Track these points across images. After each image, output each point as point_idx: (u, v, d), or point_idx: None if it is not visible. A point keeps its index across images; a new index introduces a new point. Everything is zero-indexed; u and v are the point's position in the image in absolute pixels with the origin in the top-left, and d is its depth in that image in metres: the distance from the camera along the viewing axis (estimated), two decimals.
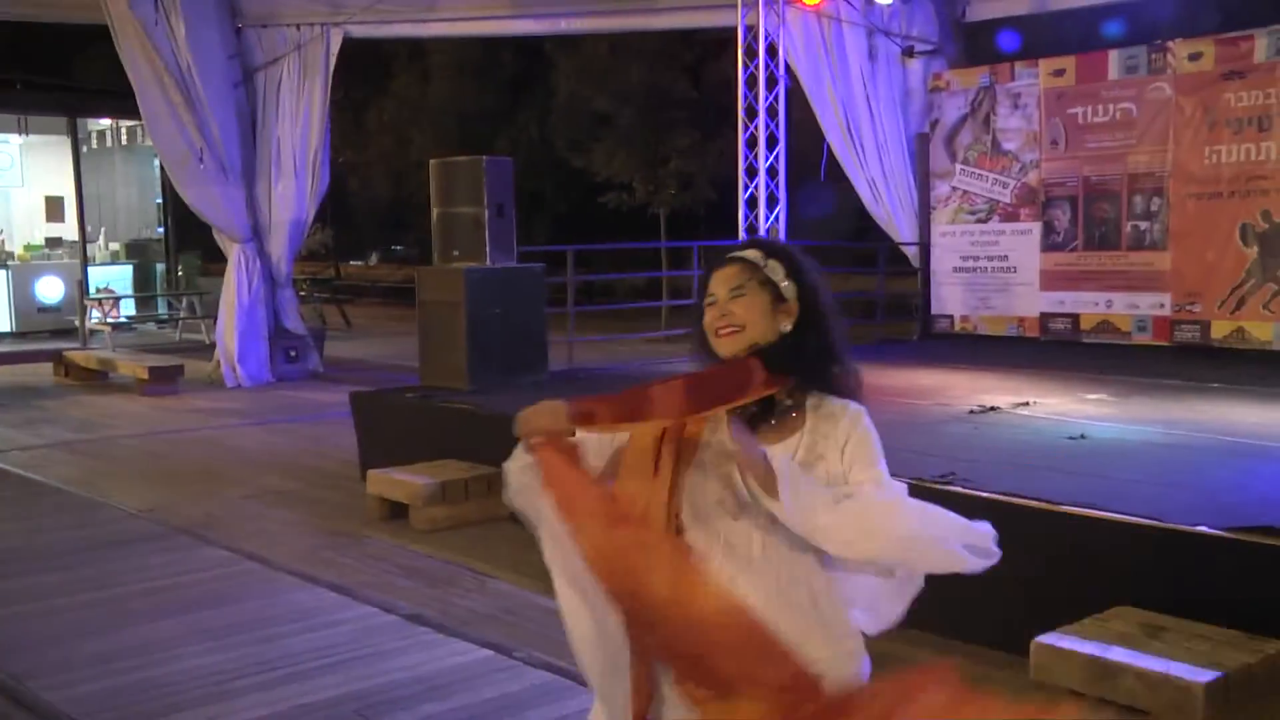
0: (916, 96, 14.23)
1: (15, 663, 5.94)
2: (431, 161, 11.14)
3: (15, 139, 22.49)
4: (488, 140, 30.77)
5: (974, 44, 14.50)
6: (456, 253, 10.60)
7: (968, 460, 6.83)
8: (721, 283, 2.69)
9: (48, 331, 20.67)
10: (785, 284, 2.67)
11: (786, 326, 2.65)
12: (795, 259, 2.73)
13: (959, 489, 6.31)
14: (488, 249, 10.48)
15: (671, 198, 29.74)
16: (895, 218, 14.37)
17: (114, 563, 7.76)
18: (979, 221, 13.47)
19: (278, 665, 5.84)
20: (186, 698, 5.48)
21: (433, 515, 8.51)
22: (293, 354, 16.05)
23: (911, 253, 14.24)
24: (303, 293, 17.16)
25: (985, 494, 6.23)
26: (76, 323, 20.13)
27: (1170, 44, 11.87)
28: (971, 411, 8.84)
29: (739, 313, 2.63)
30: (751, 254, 2.71)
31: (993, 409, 8.95)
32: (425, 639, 6.15)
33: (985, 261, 13.43)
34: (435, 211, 10.81)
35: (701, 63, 26.95)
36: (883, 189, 14.41)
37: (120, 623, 6.56)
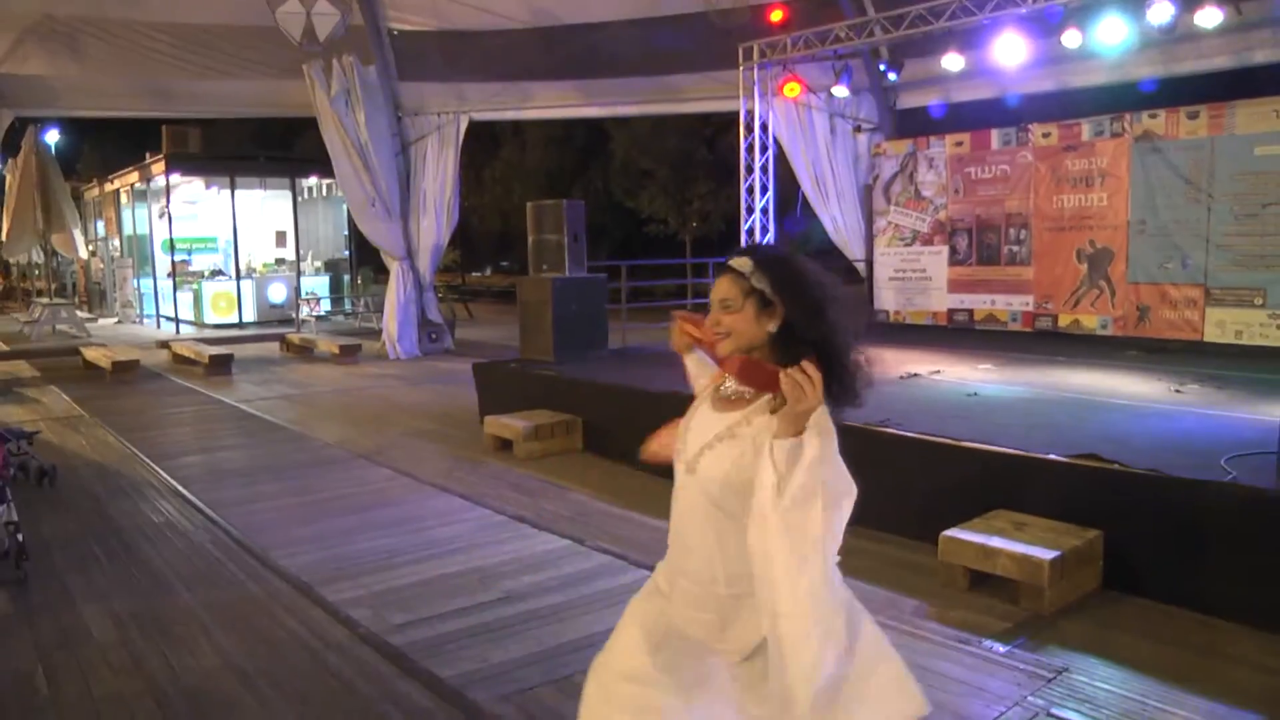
0: (863, 159, 14.08)
1: (260, 540, 6.10)
2: (528, 204, 11.13)
3: (258, 193, 22.71)
4: (566, 189, 30.86)
5: (902, 123, 14.34)
6: (545, 267, 10.62)
7: (898, 410, 6.79)
8: (716, 292, 2.29)
9: (276, 321, 20.87)
10: (770, 291, 2.21)
11: (773, 327, 2.21)
12: (782, 266, 2.25)
13: (892, 430, 6.29)
14: (567, 264, 10.51)
15: (694, 228, 29.65)
16: (850, 242, 14.23)
17: (316, 476, 7.87)
18: (905, 245, 13.34)
19: (425, 548, 5.92)
20: (367, 566, 5.58)
21: (529, 448, 8.54)
22: (433, 336, 16.11)
23: (860, 266, 14.12)
24: (440, 294, 17.20)
25: (909, 433, 6.22)
26: (293, 315, 20.39)
27: (1030, 126, 11.80)
28: (901, 377, 8.80)
29: (726, 321, 2.24)
30: (741, 263, 2.25)
31: (915, 375, 8.90)
32: (524, 532, 6.20)
33: (910, 273, 13.32)
34: (531, 238, 10.82)
35: (716, 134, 26.82)
36: (841, 222, 14.26)
37: (322, 516, 6.67)
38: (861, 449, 6.33)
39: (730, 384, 2.32)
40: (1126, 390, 7.95)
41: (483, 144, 31.76)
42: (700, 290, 16.77)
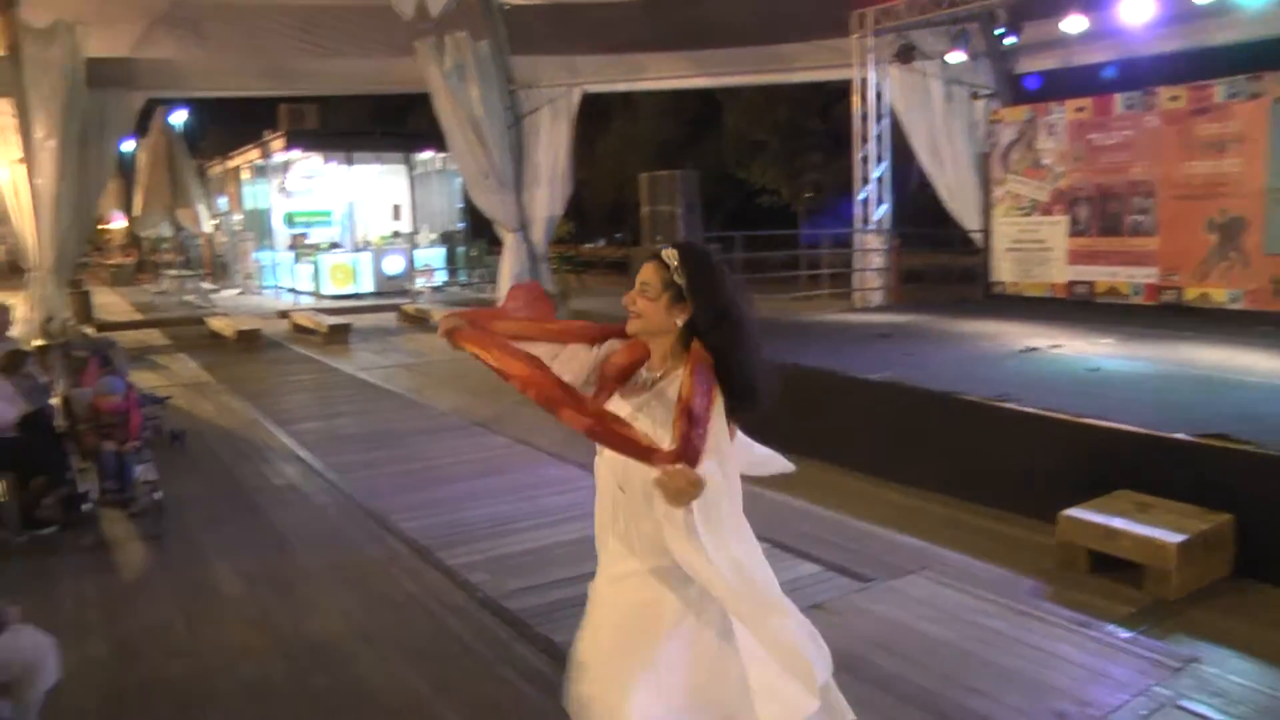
0: (980, 126, 13.66)
1: (379, 504, 6.27)
2: (641, 175, 11.13)
3: (374, 168, 23.22)
4: (678, 160, 30.62)
5: (1020, 90, 13.89)
6: (659, 238, 10.60)
7: (1017, 385, 6.62)
8: (641, 274, 2.43)
9: (392, 292, 21.33)
10: (686, 288, 2.36)
11: (680, 321, 2.37)
12: (703, 269, 2.39)
13: (1012, 406, 6.14)
14: (681, 234, 10.46)
15: (807, 199, 29.27)
16: (965, 212, 13.88)
17: (433, 443, 8.05)
18: (1024, 215, 12.93)
19: (539, 515, 6.00)
20: (483, 532, 5.69)
21: None
22: None
23: (977, 237, 13.75)
24: (554, 265, 17.32)
25: (1029, 409, 6.06)
26: (409, 286, 20.83)
27: (1157, 89, 11.26)
28: (1020, 351, 8.57)
29: (640, 305, 2.40)
30: (670, 255, 2.40)
31: (1033, 349, 8.66)
32: None
33: (1029, 243, 12.90)
34: (644, 209, 10.82)
35: (829, 104, 26.34)
36: (956, 192, 13.94)
37: (439, 482, 6.82)
38: (979, 424, 6.24)
39: (647, 374, 2.48)
40: (1260, 368, 7.58)
41: (595, 116, 31.74)
42: (812, 262, 16.57)
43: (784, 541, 5.28)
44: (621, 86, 18.40)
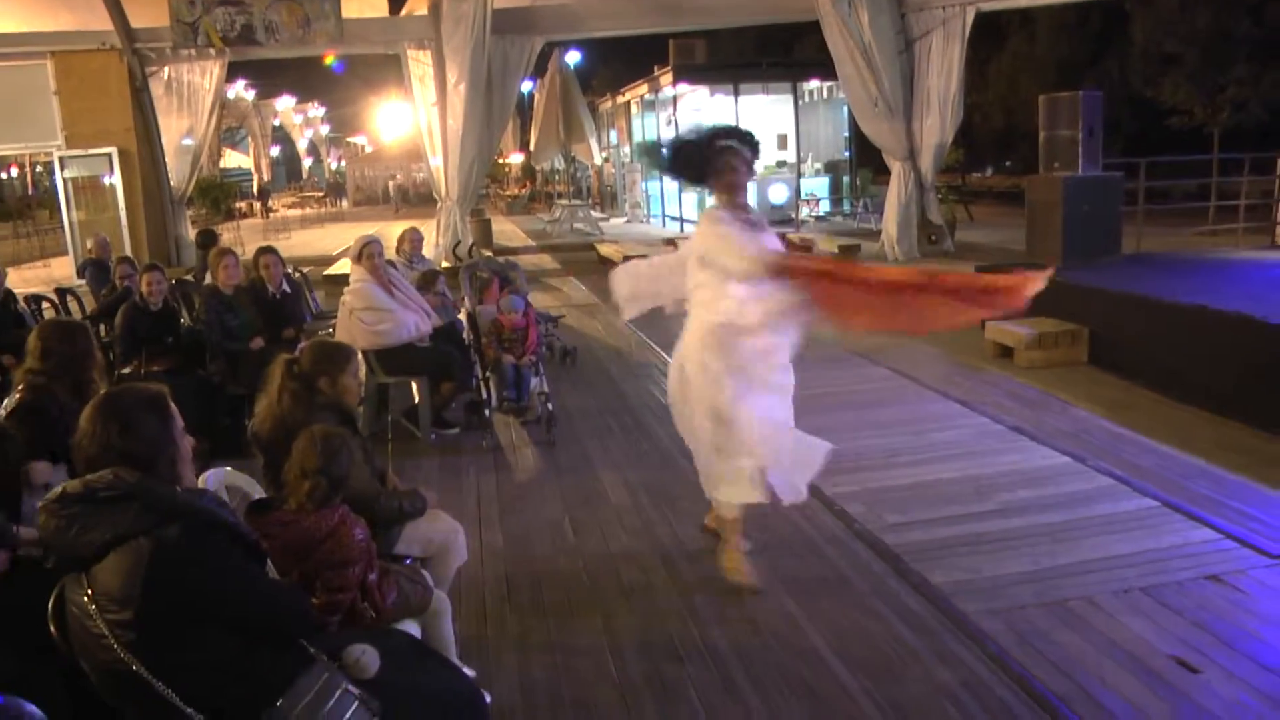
0: None
1: None
2: (1041, 97, 10.34)
3: (760, 99, 23.35)
4: (1077, 80, 28.10)
5: None
6: (1057, 165, 9.88)
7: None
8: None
9: (776, 221, 21.42)
10: None
11: None
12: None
13: None
14: (1080, 161, 9.71)
15: (1225, 119, 25.95)
16: None
17: (813, 373, 7.89)
18: None
19: (922, 451, 5.80)
20: (864, 462, 5.58)
21: (1030, 356, 8.04)
22: (933, 238, 15.63)
23: None
24: (940, 195, 16.57)
25: None
26: (793, 215, 20.85)
27: None
28: None
29: None
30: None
31: None
32: (1022, 444, 5.85)
33: None
34: (1042, 134, 10.10)
35: (1264, 3, 23.05)
36: None
37: (823, 410, 6.69)
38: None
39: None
40: None
41: (987, 36, 29.94)
42: (1227, 192, 14.66)
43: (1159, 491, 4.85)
44: (1021, 2, 17.11)
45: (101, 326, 7.52)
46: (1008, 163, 38.70)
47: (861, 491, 5.11)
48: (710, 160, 4.07)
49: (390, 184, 44.18)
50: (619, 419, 6.75)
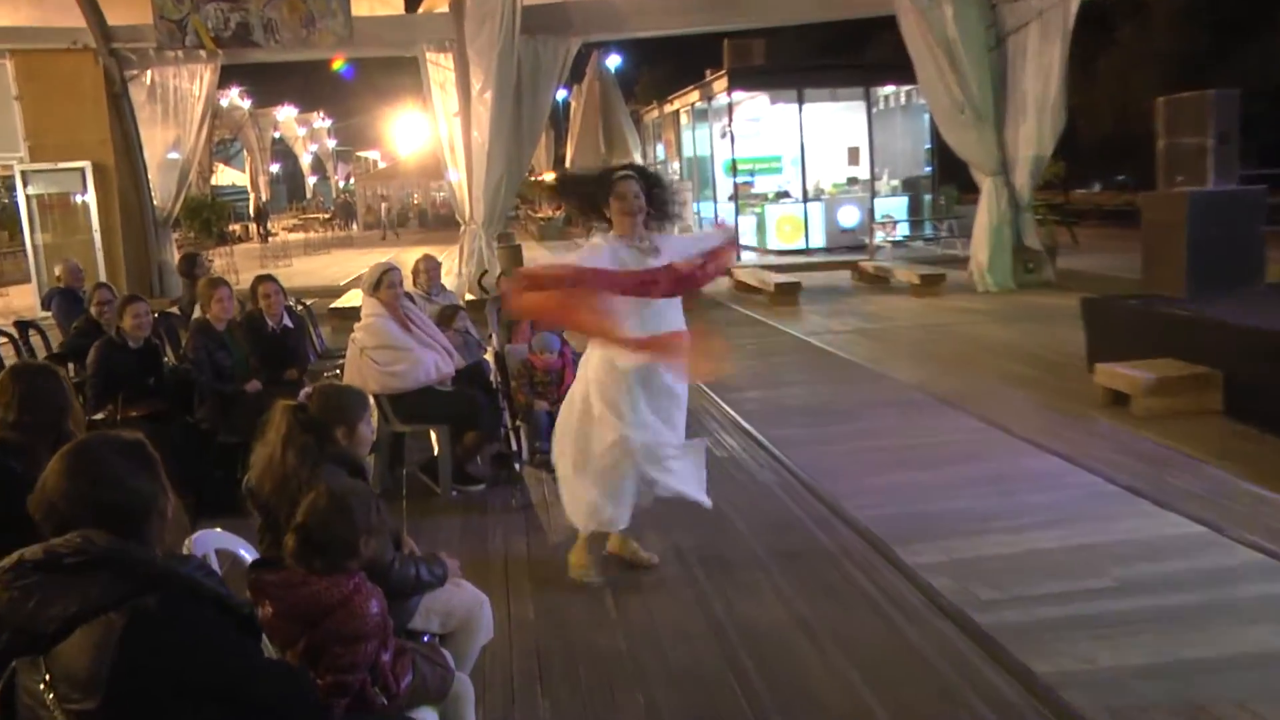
0: None
1: (830, 486, 6.33)
2: (1159, 99, 10.24)
3: (828, 106, 23.43)
4: (1203, 78, 27.83)
5: None
6: (1180, 178, 9.76)
7: None
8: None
9: (846, 247, 21.46)
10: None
11: None
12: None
13: None
14: (1210, 174, 9.56)
15: None
16: None
17: (892, 420, 7.97)
18: None
19: (1018, 515, 5.73)
20: (949, 528, 5.53)
21: (1150, 405, 7.89)
22: (1030, 265, 15.58)
23: None
24: (1039, 215, 16.49)
25: None
26: (866, 240, 20.85)
27: None
28: None
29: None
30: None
31: None
32: (1143, 509, 5.74)
33: None
34: (1161, 142, 9.99)
35: None
36: None
37: (898, 465, 6.74)
38: None
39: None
40: None
41: (1093, 29, 29.73)
42: None
43: None
44: None
45: (71, 366, 7.52)
46: (1119, 176, 38.44)
47: (948, 562, 5.06)
48: (604, 190, 4.96)
49: (382, 206, 44.69)
50: None
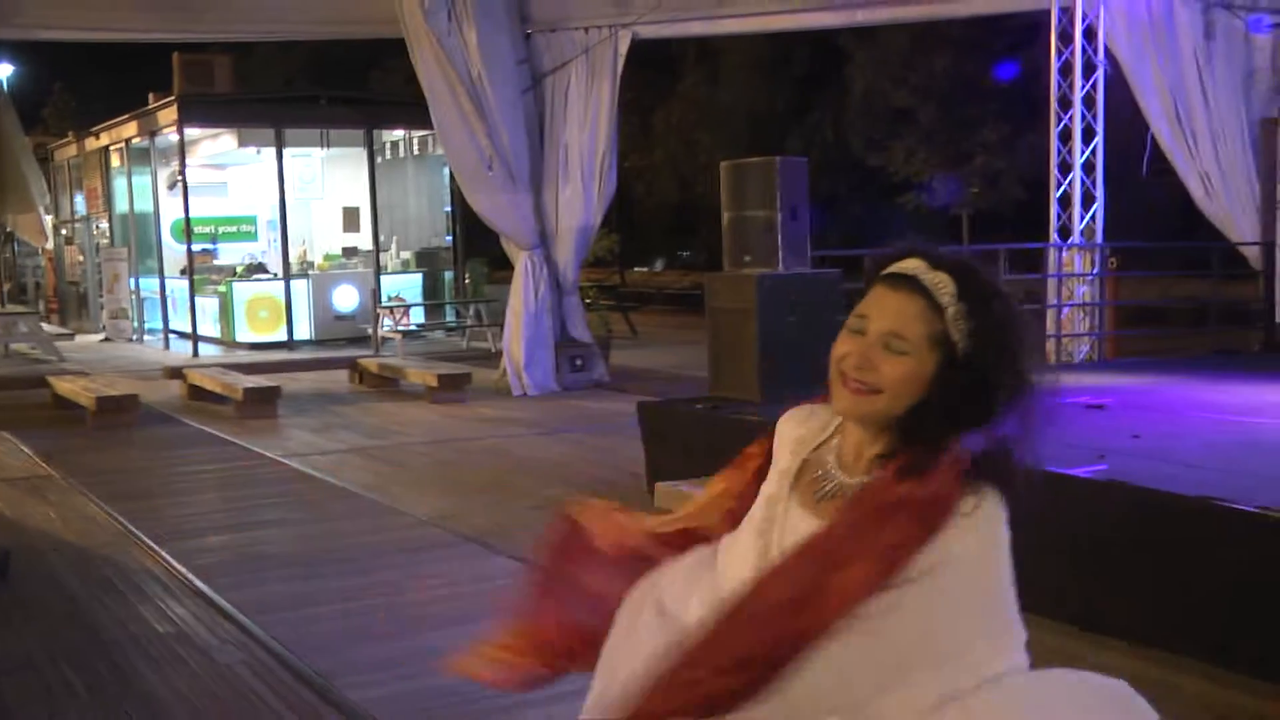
0: (1263, 77, 13.49)
1: (320, 662, 6.16)
2: (722, 164, 11.04)
3: (318, 152, 23.51)
4: (778, 141, 30.70)
5: None
6: (748, 258, 10.50)
7: None
8: (884, 315, 2.22)
9: (344, 339, 21.48)
10: (961, 340, 2.13)
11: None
12: (1002, 312, 2.17)
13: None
14: (781, 254, 10.35)
15: (975, 197, 29.18)
16: (1233, 215, 13.67)
17: (406, 568, 7.95)
18: None
19: (569, 681, 5.82)
20: (481, 707, 5.51)
21: None
22: (578, 362, 16.23)
23: (1252, 254, 13.52)
24: (588, 300, 17.35)
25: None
26: (369, 331, 20.97)
27: None
28: None
29: (886, 373, 2.16)
30: (939, 283, 2.15)
31: None
32: None
33: None
34: (725, 216, 10.73)
35: (1011, 49, 26.37)
36: (1218, 183, 13.72)
37: (414, 629, 6.70)
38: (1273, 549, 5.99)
39: (841, 477, 2.31)
40: None
41: (653, 74, 31.93)
42: None
43: None
44: (696, 28, 18.42)
45: None
46: (684, 252, 41.09)
47: None
48: None
49: None
50: (83, 668, 6.31)
